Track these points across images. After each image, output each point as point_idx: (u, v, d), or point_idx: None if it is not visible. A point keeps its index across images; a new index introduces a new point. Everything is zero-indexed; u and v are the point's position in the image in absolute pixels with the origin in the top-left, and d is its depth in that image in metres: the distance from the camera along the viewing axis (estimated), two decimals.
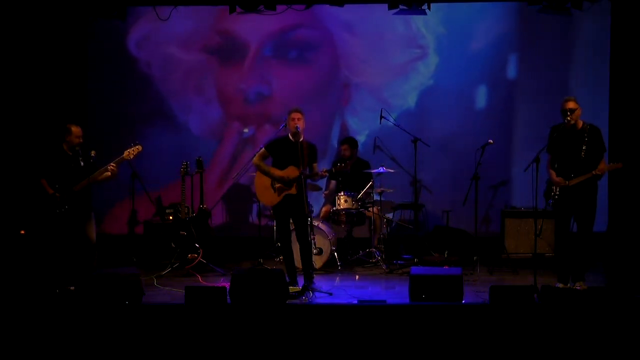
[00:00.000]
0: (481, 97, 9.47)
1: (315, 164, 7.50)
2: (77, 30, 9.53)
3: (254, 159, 7.66)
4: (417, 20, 9.34)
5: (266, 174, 7.49)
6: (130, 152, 7.55)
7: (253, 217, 9.35)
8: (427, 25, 9.38)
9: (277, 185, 7.43)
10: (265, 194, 7.52)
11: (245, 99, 9.62)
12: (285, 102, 8.91)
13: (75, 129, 7.48)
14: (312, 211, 7.85)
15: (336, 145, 9.57)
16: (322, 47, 9.35)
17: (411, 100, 9.52)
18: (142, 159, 7.87)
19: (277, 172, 7.44)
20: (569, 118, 7.14)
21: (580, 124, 7.23)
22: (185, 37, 9.53)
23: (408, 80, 9.38)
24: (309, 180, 7.81)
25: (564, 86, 9.28)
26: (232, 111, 9.67)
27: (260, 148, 7.98)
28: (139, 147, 7.60)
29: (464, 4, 9.31)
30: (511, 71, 9.49)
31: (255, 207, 9.31)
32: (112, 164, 7.45)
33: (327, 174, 7.46)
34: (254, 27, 9.37)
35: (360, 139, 9.49)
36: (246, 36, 9.47)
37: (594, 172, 7.11)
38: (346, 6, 9.00)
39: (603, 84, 9.36)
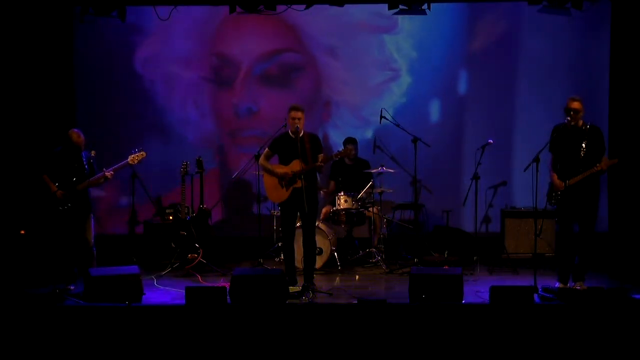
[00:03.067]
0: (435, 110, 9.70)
1: (321, 155, 7.52)
2: (81, 29, 9.55)
3: (260, 159, 7.72)
4: (390, 44, 9.64)
5: (270, 172, 7.53)
6: (134, 158, 7.62)
7: (253, 217, 9.34)
8: (399, 49, 9.65)
9: (284, 181, 7.47)
10: (274, 191, 7.58)
11: (236, 113, 9.85)
12: (272, 117, 9.34)
13: (76, 137, 7.49)
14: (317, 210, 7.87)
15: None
16: (306, 69, 9.84)
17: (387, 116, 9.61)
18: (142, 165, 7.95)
19: (280, 169, 7.48)
20: (569, 118, 7.13)
21: (580, 123, 7.22)
22: (185, 57, 9.81)
23: (383, 98, 9.64)
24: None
25: (563, 86, 9.27)
26: (225, 124, 9.90)
27: (261, 148, 7.99)
28: (144, 154, 7.68)
29: (433, 26, 9.48)
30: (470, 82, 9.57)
31: (255, 207, 9.31)
32: (110, 170, 7.47)
33: (323, 164, 7.48)
34: (244, 50, 9.75)
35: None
36: (238, 58, 9.80)
37: (595, 168, 7.09)
38: (328, 31, 9.58)
39: (603, 84, 9.36)
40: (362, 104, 9.72)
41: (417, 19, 9.29)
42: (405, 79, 9.68)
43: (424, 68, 9.64)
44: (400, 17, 9.37)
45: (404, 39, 9.65)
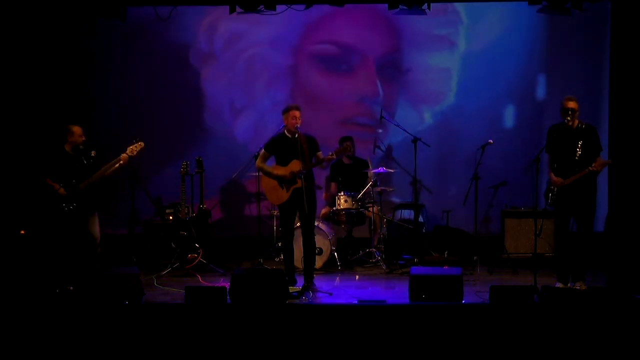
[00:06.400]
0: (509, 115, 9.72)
1: (319, 153, 7.52)
2: (81, 30, 9.60)
3: (257, 161, 7.70)
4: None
5: (269, 175, 7.51)
6: (133, 149, 7.51)
7: (253, 217, 9.35)
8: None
9: (285, 182, 7.46)
10: (273, 193, 7.56)
11: (356, 102, 9.82)
12: (386, 105, 9.61)
13: (76, 129, 7.49)
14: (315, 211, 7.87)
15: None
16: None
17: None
18: None
19: (279, 171, 7.47)
20: (569, 118, 7.14)
21: (575, 123, 7.23)
22: (287, 47, 9.86)
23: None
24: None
25: (564, 86, 9.27)
26: (339, 112, 9.84)
27: (260, 148, 7.98)
28: (141, 144, 7.57)
29: (493, 19, 9.54)
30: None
31: (255, 207, 9.32)
32: (123, 154, 7.42)
33: (334, 157, 7.44)
34: (367, 43, 9.79)
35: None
36: (363, 50, 9.82)
37: (590, 168, 7.11)
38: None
39: (603, 84, 9.37)
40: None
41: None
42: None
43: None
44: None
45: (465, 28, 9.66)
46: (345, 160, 9.16)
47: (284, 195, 7.49)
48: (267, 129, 9.32)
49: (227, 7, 9.13)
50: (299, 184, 7.36)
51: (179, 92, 9.86)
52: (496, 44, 9.56)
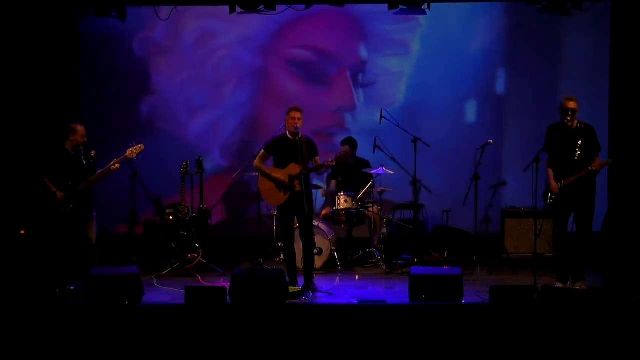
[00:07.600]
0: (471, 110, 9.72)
1: (317, 158, 7.50)
2: (76, 28, 9.57)
3: (255, 161, 7.66)
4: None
5: (266, 176, 7.49)
6: (133, 151, 7.51)
7: (253, 217, 9.35)
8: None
9: (282, 188, 7.44)
10: (271, 194, 7.53)
11: (329, 111, 9.78)
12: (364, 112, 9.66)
13: (80, 128, 7.48)
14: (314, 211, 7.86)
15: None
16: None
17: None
18: None
19: (277, 173, 7.45)
20: (568, 118, 7.14)
21: (574, 123, 7.23)
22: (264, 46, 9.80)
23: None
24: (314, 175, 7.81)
25: (564, 86, 9.28)
26: (320, 122, 9.73)
27: (260, 148, 7.97)
28: (141, 146, 7.56)
29: (457, 15, 9.49)
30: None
31: (255, 207, 9.32)
32: (116, 162, 7.43)
33: (333, 164, 7.44)
34: (346, 54, 9.75)
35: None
36: (340, 59, 9.78)
37: (589, 168, 7.11)
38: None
39: (603, 84, 9.36)
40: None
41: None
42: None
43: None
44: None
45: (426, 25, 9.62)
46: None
47: (281, 197, 7.47)
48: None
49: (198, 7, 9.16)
50: (297, 187, 7.34)
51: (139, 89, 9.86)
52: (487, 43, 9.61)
